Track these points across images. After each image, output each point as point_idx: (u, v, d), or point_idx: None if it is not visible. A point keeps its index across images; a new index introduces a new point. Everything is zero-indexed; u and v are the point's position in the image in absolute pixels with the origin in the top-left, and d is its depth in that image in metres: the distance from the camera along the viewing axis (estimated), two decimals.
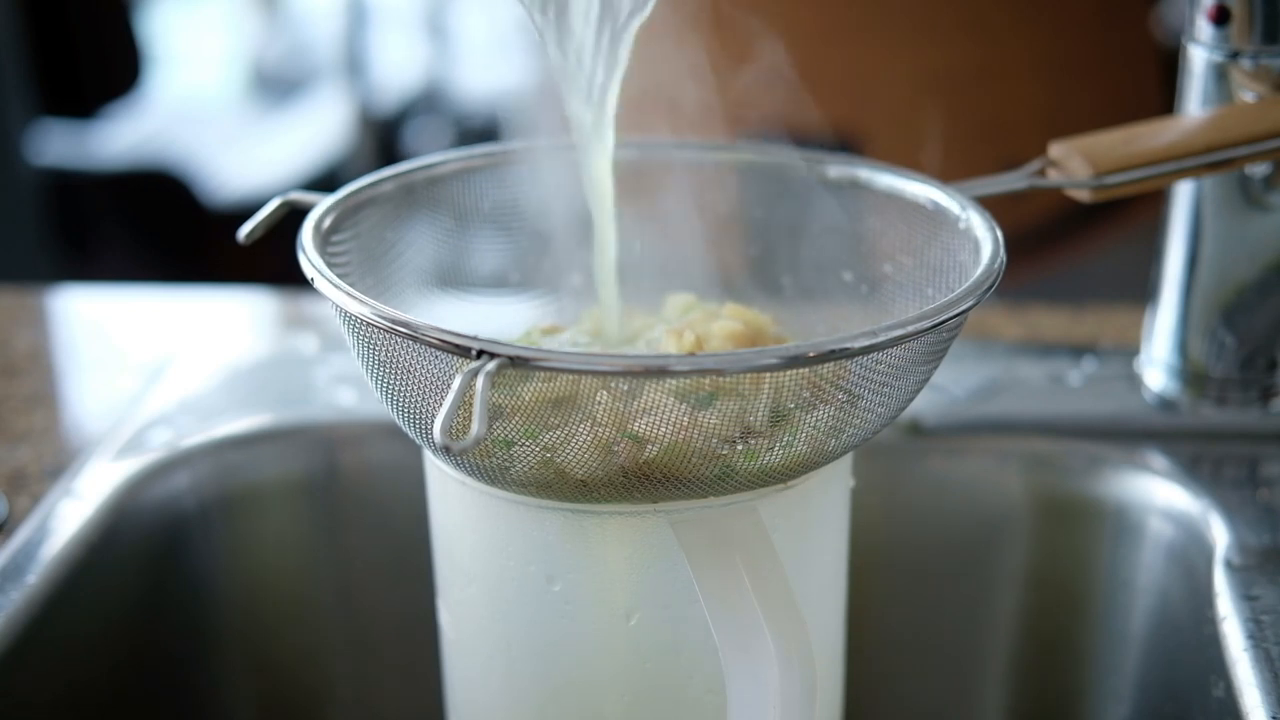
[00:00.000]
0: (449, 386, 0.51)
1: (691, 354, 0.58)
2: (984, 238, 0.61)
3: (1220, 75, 0.75)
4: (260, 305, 1.03)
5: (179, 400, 0.85)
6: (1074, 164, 0.69)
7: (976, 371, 0.86)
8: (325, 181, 2.25)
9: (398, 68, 2.87)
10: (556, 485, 0.55)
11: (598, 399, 0.54)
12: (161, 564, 0.79)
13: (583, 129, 0.63)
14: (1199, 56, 0.76)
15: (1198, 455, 0.79)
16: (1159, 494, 0.78)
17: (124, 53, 2.44)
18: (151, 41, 2.79)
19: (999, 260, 0.59)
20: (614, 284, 0.65)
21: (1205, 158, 0.70)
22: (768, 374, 0.53)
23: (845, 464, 0.64)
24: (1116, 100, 1.62)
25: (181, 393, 0.86)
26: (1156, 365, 0.83)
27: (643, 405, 0.53)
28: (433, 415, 0.53)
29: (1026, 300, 0.98)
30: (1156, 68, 1.63)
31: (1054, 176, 0.70)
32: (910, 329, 0.54)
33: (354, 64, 2.61)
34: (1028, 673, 0.84)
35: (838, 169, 0.69)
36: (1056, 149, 0.70)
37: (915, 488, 0.83)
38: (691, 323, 0.63)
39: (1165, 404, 0.82)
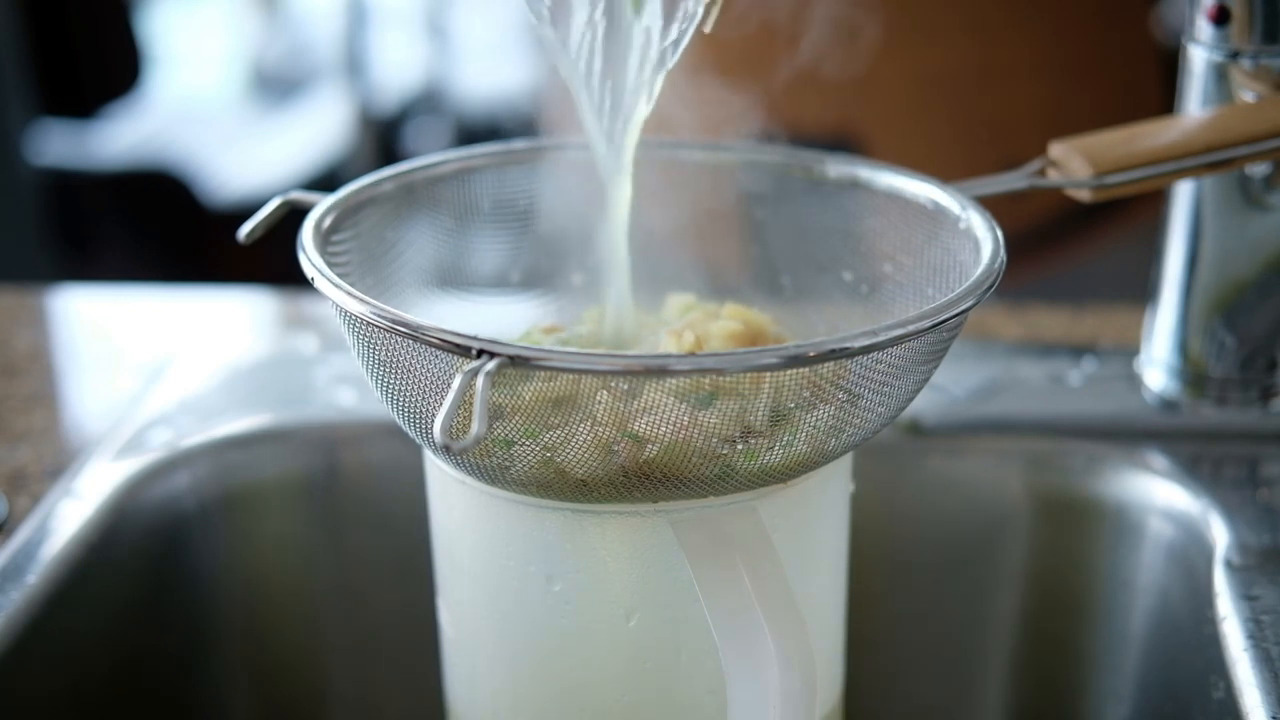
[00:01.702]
0: (449, 386, 0.51)
1: (691, 354, 0.58)
2: (984, 237, 0.61)
3: (1220, 75, 0.75)
4: (260, 305, 1.03)
5: (179, 400, 0.85)
6: (1074, 164, 0.69)
7: (976, 371, 0.86)
8: (325, 181, 2.24)
9: (398, 68, 2.87)
10: (557, 485, 0.55)
11: (598, 399, 0.54)
12: (161, 564, 0.79)
13: (603, 160, 0.63)
14: (1199, 56, 0.76)
15: (1198, 455, 0.79)
16: (1159, 494, 0.78)
17: (124, 53, 2.44)
18: (151, 41, 2.79)
19: (999, 260, 0.59)
20: (626, 290, 0.65)
21: (1205, 158, 0.70)
22: (768, 374, 0.53)
23: (845, 463, 0.64)
24: (1116, 100, 1.61)
25: (181, 393, 0.86)
26: (1156, 365, 0.83)
27: (643, 405, 0.53)
28: (433, 415, 0.53)
29: (1026, 300, 0.98)
30: (1156, 68, 1.62)
31: (1054, 176, 0.70)
32: (910, 329, 0.54)
33: (354, 64, 2.61)
34: (1028, 672, 0.84)
35: (838, 169, 0.69)
36: (1056, 149, 0.70)
37: (915, 488, 0.83)
38: (691, 323, 0.63)
39: (1165, 404, 0.82)
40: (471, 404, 0.49)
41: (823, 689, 0.63)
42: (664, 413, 0.53)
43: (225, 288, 1.08)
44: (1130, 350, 0.86)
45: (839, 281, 0.69)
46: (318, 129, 2.76)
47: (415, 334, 0.53)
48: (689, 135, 0.69)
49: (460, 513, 0.62)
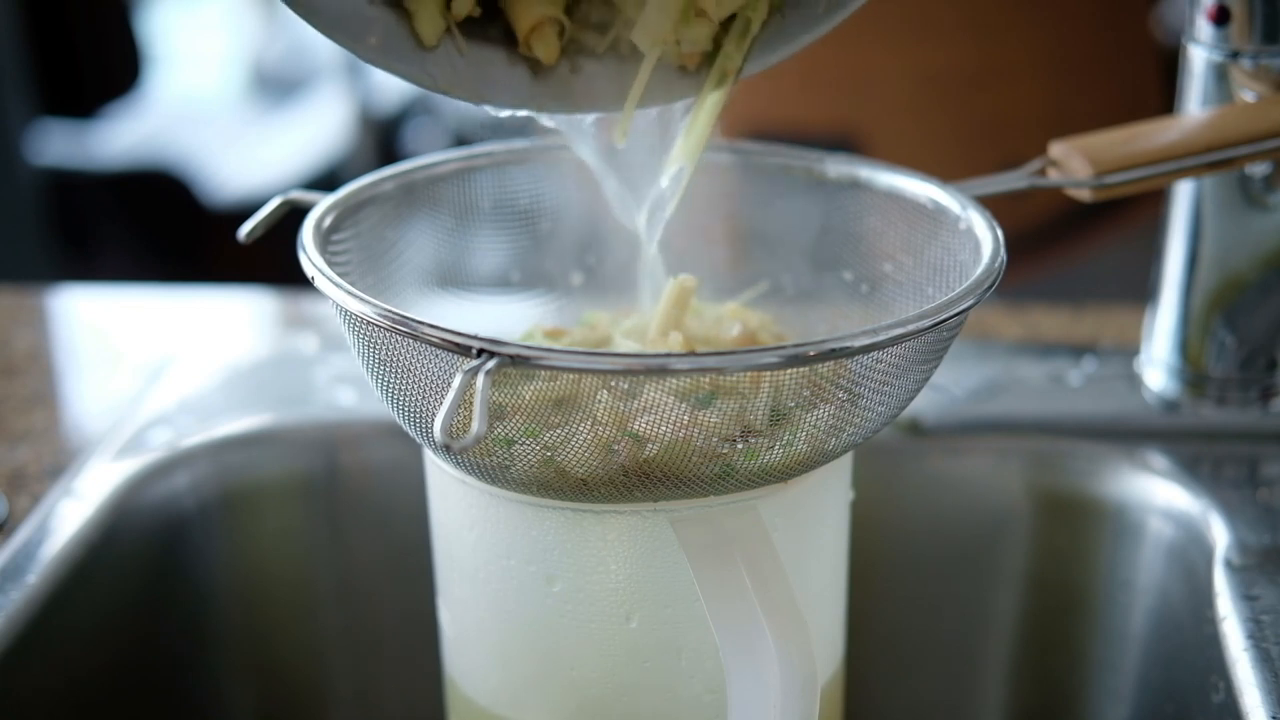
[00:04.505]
0: (449, 385, 0.51)
1: (691, 353, 0.58)
2: (984, 237, 0.61)
3: (1220, 75, 0.75)
4: (260, 305, 1.03)
5: (179, 400, 0.85)
6: (1074, 163, 0.69)
7: (976, 371, 0.86)
8: (325, 181, 2.24)
9: None
10: (557, 484, 0.55)
11: (598, 398, 0.54)
12: (161, 564, 0.79)
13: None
14: (1199, 56, 0.76)
15: (1198, 455, 0.79)
16: (1159, 494, 0.78)
17: (124, 53, 2.44)
18: (151, 41, 2.79)
19: (999, 260, 0.59)
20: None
21: (1205, 158, 0.70)
22: (767, 373, 0.53)
23: (846, 463, 0.64)
24: (1116, 100, 1.61)
25: (181, 393, 0.86)
26: (1156, 365, 0.83)
27: (643, 404, 0.53)
28: (433, 414, 0.53)
29: (1026, 300, 0.98)
30: (1156, 68, 1.62)
31: (1054, 176, 0.70)
32: (910, 328, 0.54)
33: (354, 64, 2.61)
34: (1028, 673, 0.84)
35: (838, 169, 0.69)
36: (1057, 148, 0.70)
37: (915, 488, 0.83)
38: (681, 322, 0.63)
39: (1165, 404, 0.82)
40: (472, 403, 0.49)
41: (823, 690, 0.63)
42: (664, 412, 0.53)
43: (225, 288, 1.08)
44: (1130, 350, 0.86)
45: (839, 281, 0.69)
46: (318, 129, 2.76)
47: (415, 333, 0.53)
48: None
49: (460, 512, 0.62)
